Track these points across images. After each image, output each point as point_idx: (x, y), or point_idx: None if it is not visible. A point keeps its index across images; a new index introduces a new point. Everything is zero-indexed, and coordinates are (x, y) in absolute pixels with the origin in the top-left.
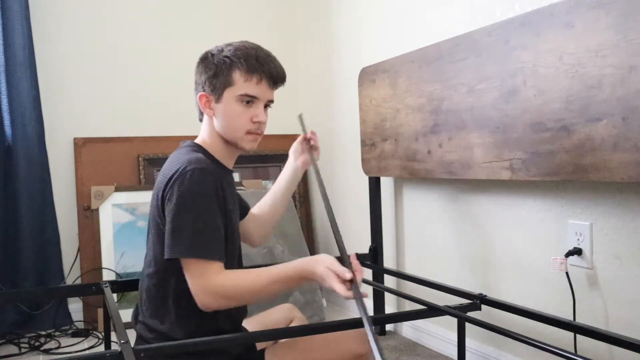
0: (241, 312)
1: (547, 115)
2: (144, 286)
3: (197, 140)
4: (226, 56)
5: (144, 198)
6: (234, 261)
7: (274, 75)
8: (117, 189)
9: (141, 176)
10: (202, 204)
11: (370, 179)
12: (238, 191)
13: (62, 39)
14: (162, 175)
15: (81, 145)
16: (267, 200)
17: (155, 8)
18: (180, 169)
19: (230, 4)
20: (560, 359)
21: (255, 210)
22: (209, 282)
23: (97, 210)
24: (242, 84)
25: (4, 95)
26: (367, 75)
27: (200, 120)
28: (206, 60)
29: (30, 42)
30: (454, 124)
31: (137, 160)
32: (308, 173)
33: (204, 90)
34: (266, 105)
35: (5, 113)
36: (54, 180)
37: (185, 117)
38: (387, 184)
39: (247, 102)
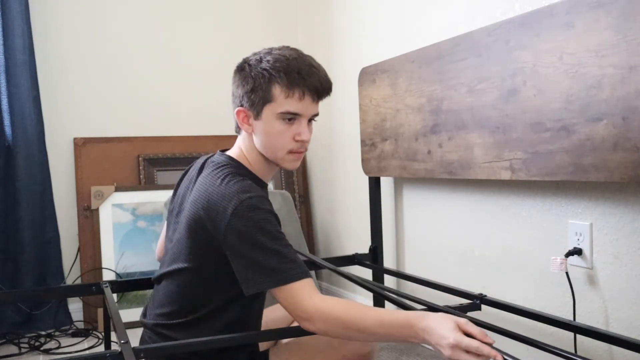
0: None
1: (547, 115)
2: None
3: (234, 152)
4: (265, 69)
5: (144, 198)
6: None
7: (318, 89)
8: (117, 189)
9: (141, 176)
10: (266, 231)
11: (370, 179)
12: None
13: (62, 39)
14: (203, 205)
15: (81, 145)
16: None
17: (155, 8)
18: (233, 203)
19: (230, 4)
20: (560, 359)
21: None
22: (300, 302)
23: (97, 210)
24: (282, 100)
25: (4, 95)
26: (367, 75)
27: (237, 132)
28: (243, 71)
29: (30, 42)
30: (454, 124)
31: (137, 160)
32: (308, 173)
33: (242, 105)
34: (310, 119)
35: (5, 113)
36: (54, 180)
37: (185, 117)
38: (387, 184)
39: (289, 120)
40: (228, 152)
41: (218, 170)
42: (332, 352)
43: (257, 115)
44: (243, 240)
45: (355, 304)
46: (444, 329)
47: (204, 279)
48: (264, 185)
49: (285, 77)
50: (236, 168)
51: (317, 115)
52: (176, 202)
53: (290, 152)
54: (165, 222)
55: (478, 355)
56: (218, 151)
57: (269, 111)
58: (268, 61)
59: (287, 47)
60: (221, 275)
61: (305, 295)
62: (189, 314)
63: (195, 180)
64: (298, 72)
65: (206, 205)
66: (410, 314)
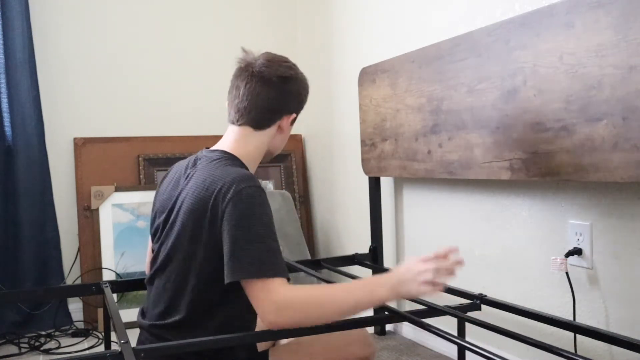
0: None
1: (547, 115)
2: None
3: (236, 151)
4: (305, 83)
5: (144, 198)
6: None
7: None
8: (117, 189)
9: (141, 176)
10: (262, 223)
11: (370, 179)
12: None
13: (62, 39)
14: (207, 187)
15: (81, 145)
16: None
17: (155, 8)
18: (235, 187)
19: (230, 4)
20: (561, 359)
21: None
22: (273, 296)
23: (97, 210)
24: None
25: (4, 95)
26: (367, 75)
27: (255, 128)
28: (295, 81)
29: (30, 42)
30: (454, 124)
31: (137, 160)
32: (308, 173)
33: (291, 113)
34: None
35: (5, 113)
36: (54, 180)
37: (185, 117)
38: (387, 184)
39: None
40: (228, 148)
41: (218, 160)
42: (332, 354)
43: (293, 122)
44: (239, 223)
45: (316, 285)
46: (413, 266)
47: (200, 269)
48: None
49: (308, 92)
50: (235, 161)
51: None
52: (161, 213)
53: None
54: (150, 244)
55: (448, 270)
56: (205, 149)
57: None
58: (303, 75)
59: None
60: (219, 266)
61: (279, 290)
62: (183, 312)
63: (188, 176)
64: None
65: (210, 186)
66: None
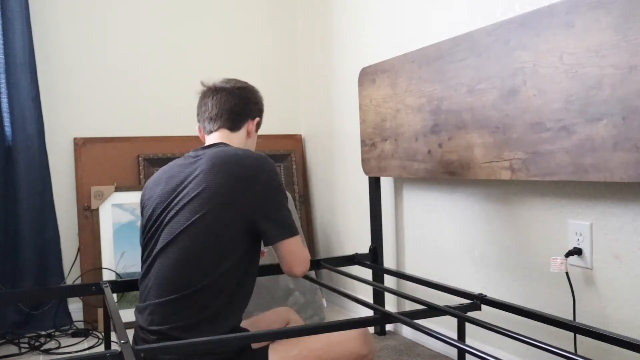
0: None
1: (547, 115)
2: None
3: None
4: (260, 95)
5: None
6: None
7: None
8: (117, 189)
9: (141, 176)
10: (284, 191)
11: (370, 179)
12: None
13: (62, 39)
14: (235, 162)
15: (81, 145)
16: None
17: (155, 8)
18: (268, 166)
19: (230, 4)
20: (560, 359)
21: None
22: (303, 256)
23: (97, 210)
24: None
25: (4, 95)
26: (367, 75)
27: (230, 130)
28: (251, 91)
29: (30, 42)
30: (454, 124)
31: (137, 160)
32: (308, 174)
33: (257, 117)
34: None
35: (5, 113)
36: (54, 180)
37: (185, 117)
38: (387, 184)
39: None
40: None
41: (226, 146)
42: (330, 350)
43: (257, 127)
44: (275, 195)
45: None
46: None
47: (206, 247)
48: None
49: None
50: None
51: None
52: (163, 203)
53: None
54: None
55: None
56: (194, 150)
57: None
58: (257, 90)
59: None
60: (228, 238)
61: (302, 245)
62: (183, 290)
63: (196, 165)
64: None
65: (237, 168)
66: None
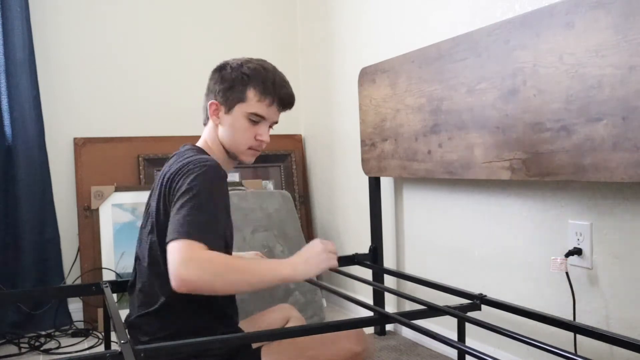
0: (232, 309)
1: (547, 115)
2: (140, 285)
3: (199, 144)
4: (245, 73)
5: (144, 198)
6: None
7: (285, 101)
8: (117, 189)
9: (141, 176)
10: (212, 195)
11: (370, 179)
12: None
13: (62, 38)
14: (170, 171)
15: (81, 145)
16: None
17: (155, 8)
18: (193, 162)
19: (230, 4)
20: (560, 359)
21: None
22: (189, 254)
23: (97, 210)
24: (254, 103)
25: (4, 95)
26: (367, 75)
27: (205, 124)
28: (223, 70)
29: (30, 42)
30: (454, 124)
31: (137, 160)
32: (308, 174)
33: (216, 99)
34: (271, 125)
35: (5, 113)
36: (54, 180)
37: (185, 117)
38: (387, 184)
39: (254, 121)
40: (190, 144)
41: (184, 152)
42: (324, 350)
43: (228, 111)
44: (186, 192)
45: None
46: (312, 247)
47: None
48: None
49: (261, 84)
50: (200, 151)
51: (276, 123)
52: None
53: (250, 147)
54: None
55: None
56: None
57: (239, 109)
58: (249, 67)
59: (266, 61)
60: None
61: (195, 248)
62: (160, 297)
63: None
64: (272, 83)
65: (174, 172)
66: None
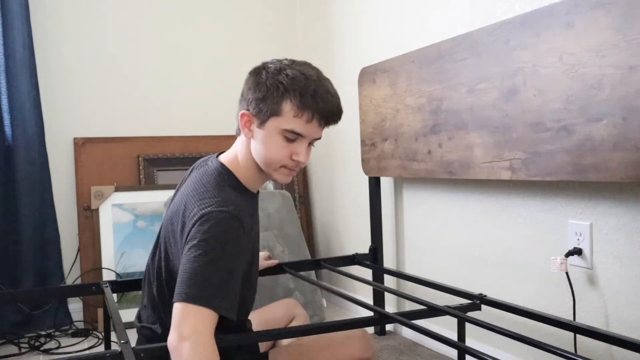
0: (244, 325)
1: (547, 115)
2: (151, 292)
3: (228, 158)
4: (281, 82)
5: (144, 198)
6: (242, 309)
7: (328, 115)
8: (117, 189)
9: (141, 176)
10: (223, 253)
11: (370, 179)
12: None
13: (62, 39)
14: (187, 201)
15: (81, 145)
16: None
17: (155, 8)
18: (208, 211)
19: (230, 4)
20: (560, 359)
21: None
22: (188, 331)
23: (97, 210)
24: (290, 118)
25: (4, 95)
26: (367, 75)
27: (237, 135)
28: (259, 76)
29: (30, 42)
30: (454, 124)
31: (137, 160)
32: (308, 173)
33: (248, 109)
34: (311, 142)
35: (5, 113)
36: (54, 180)
37: (185, 117)
38: (387, 184)
39: (291, 138)
40: (223, 157)
41: (206, 176)
42: (331, 355)
43: (261, 124)
44: (197, 248)
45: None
46: None
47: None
48: (254, 196)
49: (299, 97)
50: (225, 177)
51: (319, 139)
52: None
53: (284, 166)
54: None
55: None
56: (214, 155)
57: (273, 123)
58: (287, 75)
59: (309, 66)
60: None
61: (199, 321)
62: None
63: (178, 187)
64: (312, 95)
65: (183, 208)
66: None
